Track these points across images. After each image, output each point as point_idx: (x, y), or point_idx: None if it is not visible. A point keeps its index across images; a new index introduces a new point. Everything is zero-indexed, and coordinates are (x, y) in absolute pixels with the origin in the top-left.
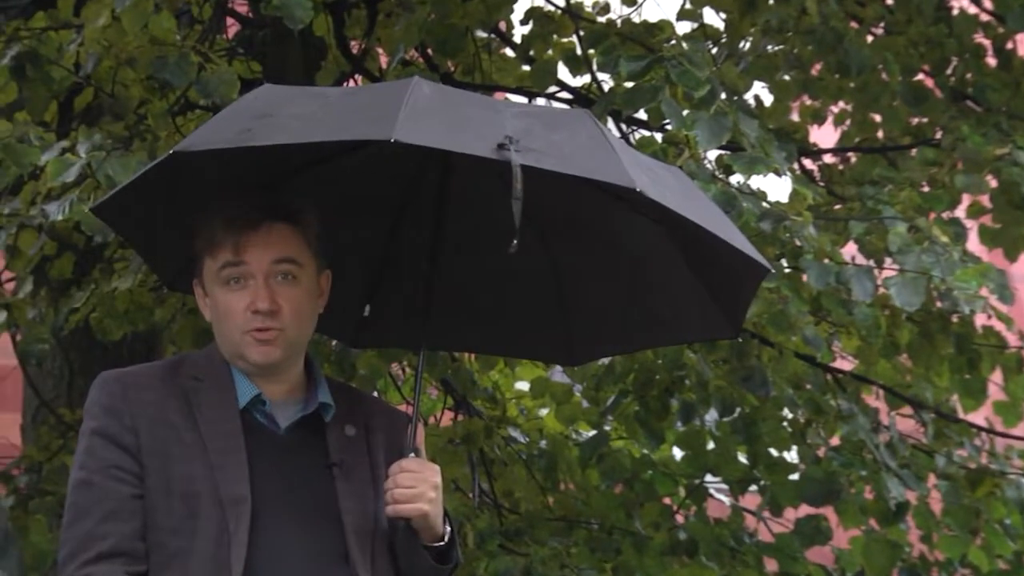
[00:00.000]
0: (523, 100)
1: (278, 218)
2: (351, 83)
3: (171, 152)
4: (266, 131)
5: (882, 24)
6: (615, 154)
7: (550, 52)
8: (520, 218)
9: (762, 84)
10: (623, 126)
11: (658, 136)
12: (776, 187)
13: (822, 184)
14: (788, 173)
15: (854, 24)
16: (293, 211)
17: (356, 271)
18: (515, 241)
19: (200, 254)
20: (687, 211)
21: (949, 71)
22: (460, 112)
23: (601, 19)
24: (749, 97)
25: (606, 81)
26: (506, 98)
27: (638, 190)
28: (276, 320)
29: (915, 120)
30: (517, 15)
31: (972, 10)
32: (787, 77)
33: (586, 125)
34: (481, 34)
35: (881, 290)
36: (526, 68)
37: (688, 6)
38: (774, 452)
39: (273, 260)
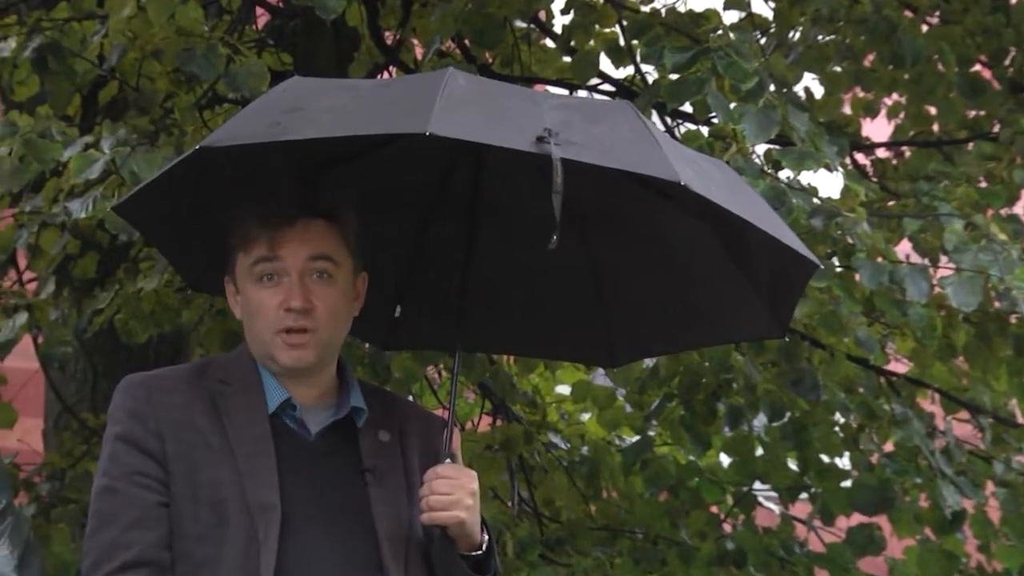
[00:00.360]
0: (564, 92)
1: (315, 214)
2: (385, 75)
3: (197, 148)
4: (296, 125)
5: (937, 13)
6: (658, 147)
7: (592, 43)
8: (560, 213)
9: (812, 76)
10: (668, 119)
11: (704, 130)
12: (827, 183)
13: (875, 180)
14: (840, 168)
15: (908, 13)
16: (331, 208)
17: (386, 270)
18: (555, 237)
19: (233, 250)
20: (733, 205)
21: (1007, 62)
22: (497, 104)
23: (645, 8)
24: (799, 89)
25: (650, 73)
26: (546, 90)
27: (682, 184)
28: (309, 319)
29: (972, 113)
30: (557, 4)
31: None
32: (838, 68)
33: (628, 117)
34: (520, 24)
35: (937, 290)
36: (567, 59)
37: None
38: (825, 458)
39: (309, 257)
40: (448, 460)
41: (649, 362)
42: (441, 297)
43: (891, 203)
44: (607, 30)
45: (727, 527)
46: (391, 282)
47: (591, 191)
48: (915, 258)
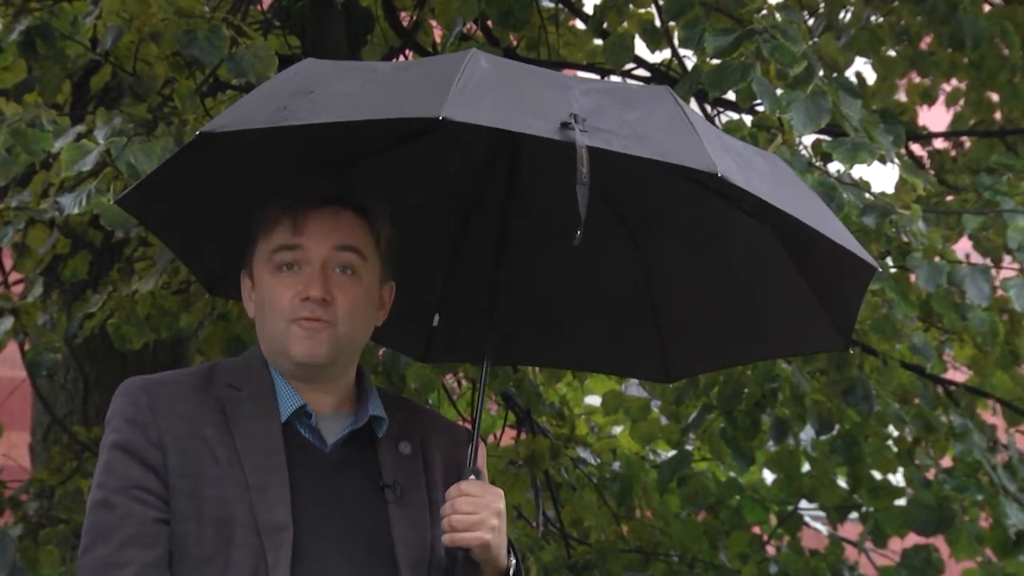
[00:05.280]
0: (595, 78)
1: (347, 204)
2: (401, 59)
3: (198, 132)
4: (305, 109)
5: None
6: (696, 135)
7: (625, 24)
8: (586, 206)
9: (865, 60)
10: (707, 108)
11: (747, 119)
12: (880, 177)
13: (932, 172)
14: (895, 160)
15: None
16: (365, 200)
17: (424, 276)
18: (579, 232)
19: (253, 238)
20: (780, 201)
21: None
22: (521, 88)
23: None
24: (850, 74)
25: (688, 57)
26: (576, 76)
27: (720, 175)
28: (327, 311)
29: None
30: None
31: None
32: (893, 52)
33: (665, 103)
34: (548, 4)
35: (999, 292)
36: (598, 42)
37: None
38: (877, 474)
39: (334, 246)
40: (472, 476)
41: None
42: (481, 305)
43: (950, 198)
44: (642, 11)
45: (771, 549)
46: (430, 289)
47: (642, 191)
48: (976, 258)
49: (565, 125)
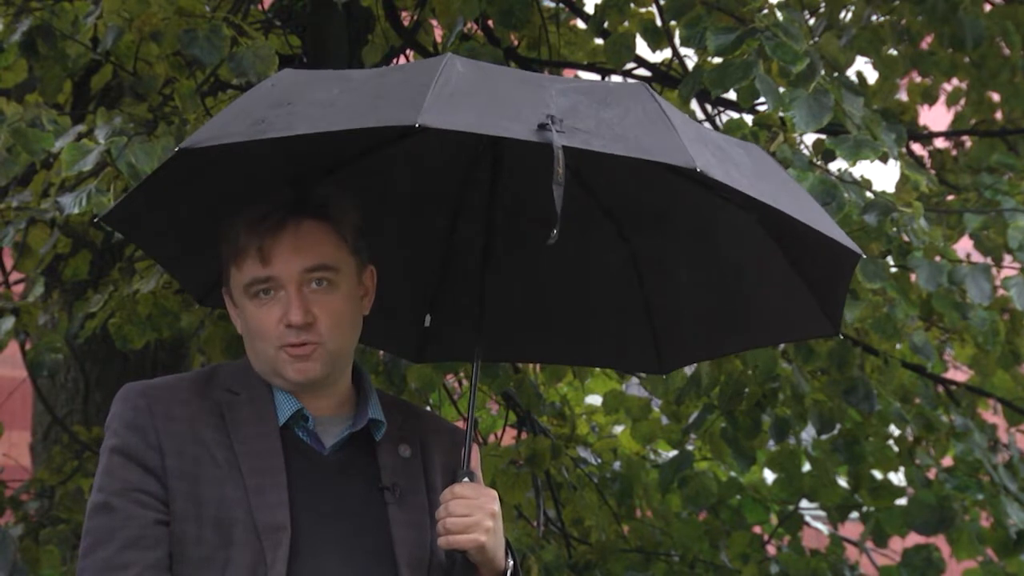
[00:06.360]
0: (595, 77)
1: (306, 214)
2: (401, 60)
3: (177, 149)
4: (283, 121)
5: None
6: (674, 131)
7: (627, 24)
8: (562, 205)
9: (866, 59)
10: (708, 107)
11: (748, 118)
12: (880, 176)
13: (933, 172)
14: (897, 159)
15: None
16: (322, 203)
17: (415, 276)
18: (555, 232)
19: (226, 262)
20: (761, 193)
21: None
22: (498, 91)
23: None
24: (851, 74)
25: (689, 57)
26: (576, 75)
27: (699, 170)
28: (312, 333)
29: None
30: None
31: None
32: (894, 51)
33: (643, 100)
34: (549, 3)
35: (1000, 291)
36: (599, 42)
37: None
38: (878, 474)
39: (304, 269)
40: (466, 478)
41: (688, 369)
42: (473, 304)
43: (950, 197)
44: (643, 10)
45: (771, 549)
46: (421, 290)
47: (628, 186)
48: (976, 257)
49: (542, 126)
